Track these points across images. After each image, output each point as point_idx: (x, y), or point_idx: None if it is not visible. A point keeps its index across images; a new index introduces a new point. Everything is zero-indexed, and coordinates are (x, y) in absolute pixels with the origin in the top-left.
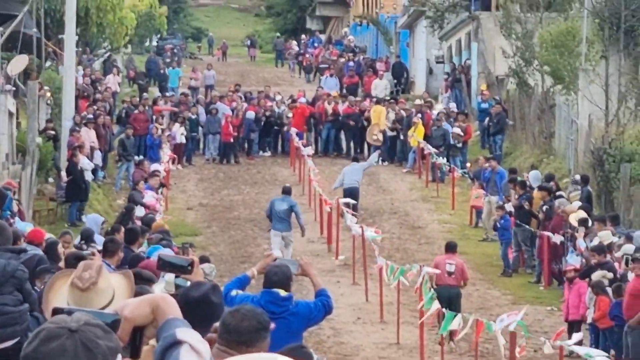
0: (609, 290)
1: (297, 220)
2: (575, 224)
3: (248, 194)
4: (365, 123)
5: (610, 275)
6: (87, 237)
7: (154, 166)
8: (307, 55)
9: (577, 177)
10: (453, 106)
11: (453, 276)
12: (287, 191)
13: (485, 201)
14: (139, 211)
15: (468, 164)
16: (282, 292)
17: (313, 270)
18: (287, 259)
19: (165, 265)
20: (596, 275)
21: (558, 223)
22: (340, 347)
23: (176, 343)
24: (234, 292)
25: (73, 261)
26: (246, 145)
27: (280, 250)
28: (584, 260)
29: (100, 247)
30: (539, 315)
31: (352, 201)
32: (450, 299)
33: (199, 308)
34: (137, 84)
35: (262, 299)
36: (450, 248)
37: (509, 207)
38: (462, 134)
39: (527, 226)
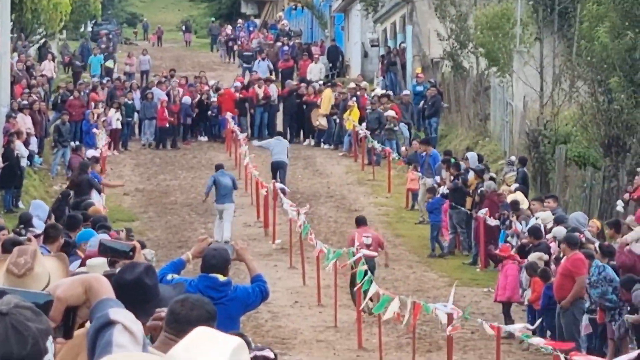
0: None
1: (235, 186)
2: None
3: (184, 178)
4: (305, 107)
5: (546, 257)
6: (26, 222)
7: (90, 152)
8: (240, 41)
9: (513, 158)
10: (407, 93)
11: (371, 248)
12: (221, 166)
13: (420, 183)
14: (95, 196)
15: (404, 148)
16: (221, 277)
17: (249, 255)
18: (222, 244)
19: (106, 251)
20: (532, 257)
21: (493, 205)
22: (278, 331)
23: (109, 323)
24: (169, 276)
25: (10, 247)
26: (181, 130)
27: (220, 222)
28: (519, 242)
29: (39, 232)
30: (475, 297)
31: (286, 188)
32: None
33: (133, 290)
34: (72, 67)
35: (200, 283)
36: (362, 222)
37: (442, 189)
38: (396, 116)
39: (462, 208)
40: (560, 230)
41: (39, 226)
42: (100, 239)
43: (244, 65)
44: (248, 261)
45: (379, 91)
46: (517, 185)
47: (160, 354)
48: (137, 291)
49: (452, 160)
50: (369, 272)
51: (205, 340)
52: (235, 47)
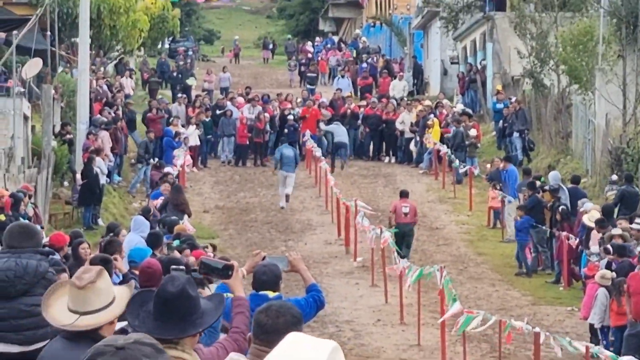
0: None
1: (297, 160)
2: (589, 224)
3: (264, 196)
4: (385, 124)
5: (610, 274)
6: (114, 230)
7: (166, 169)
8: (317, 59)
9: (614, 177)
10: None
11: (408, 216)
12: (291, 143)
13: (506, 201)
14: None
15: (488, 165)
16: (271, 294)
17: (303, 264)
18: (276, 256)
19: (206, 270)
20: (597, 275)
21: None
22: (361, 349)
23: None
24: (225, 295)
25: (98, 263)
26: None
27: (284, 187)
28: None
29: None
30: (559, 316)
31: (368, 207)
32: (404, 234)
33: (178, 303)
34: (149, 84)
35: (252, 302)
36: (404, 194)
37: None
38: (478, 134)
39: (542, 227)
40: None
41: (141, 243)
42: (201, 258)
43: (308, 86)
44: (302, 271)
45: (460, 107)
46: (589, 203)
47: None
48: (182, 303)
49: (540, 180)
50: (453, 290)
51: (300, 344)
52: (306, 68)
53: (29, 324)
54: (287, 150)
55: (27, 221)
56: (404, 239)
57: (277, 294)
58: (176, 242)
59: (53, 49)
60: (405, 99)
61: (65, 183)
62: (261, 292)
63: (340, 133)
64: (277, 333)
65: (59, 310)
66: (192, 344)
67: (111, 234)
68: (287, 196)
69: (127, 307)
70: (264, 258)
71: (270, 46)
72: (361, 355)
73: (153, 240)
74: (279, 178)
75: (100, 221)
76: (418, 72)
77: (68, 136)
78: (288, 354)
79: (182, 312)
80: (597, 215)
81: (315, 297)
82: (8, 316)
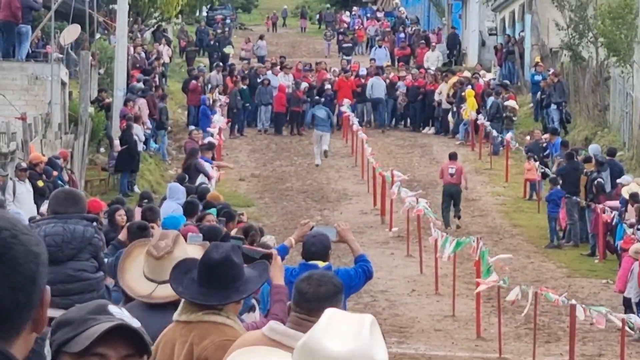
0: None
1: (331, 119)
2: (627, 197)
3: (300, 165)
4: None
5: None
6: (148, 198)
7: (206, 138)
8: (354, 28)
9: None
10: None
11: (454, 177)
12: (318, 102)
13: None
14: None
15: (527, 137)
16: (321, 264)
17: (351, 235)
18: (324, 226)
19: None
20: (632, 250)
21: (614, 197)
22: (395, 319)
23: None
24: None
25: (135, 231)
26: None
27: (319, 145)
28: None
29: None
30: (594, 289)
31: (404, 176)
32: (452, 194)
33: (222, 269)
34: (186, 53)
35: (301, 272)
36: (452, 157)
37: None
38: (516, 106)
39: (574, 197)
40: None
41: (178, 211)
42: (240, 246)
43: (344, 57)
44: (350, 242)
45: (489, 76)
46: (628, 176)
47: (298, 333)
48: (226, 270)
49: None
50: (489, 261)
51: (341, 318)
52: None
53: (76, 289)
54: (319, 111)
55: (71, 187)
56: (452, 199)
57: (326, 264)
58: (212, 211)
59: (92, 13)
60: (433, 69)
61: (102, 149)
62: (311, 262)
63: (377, 89)
64: (318, 301)
65: (135, 277)
66: (235, 311)
67: (146, 201)
68: (325, 152)
69: (171, 273)
70: (312, 227)
71: (317, 17)
72: (395, 325)
73: (189, 209)
74: (314, 138)
75: (136, 188)
76: (455, 43)
77: (107, 100)
78: (331, 328)
79: (226, 278)
80: (635, 188)
81: (364, 268)
82: (56, 281)
